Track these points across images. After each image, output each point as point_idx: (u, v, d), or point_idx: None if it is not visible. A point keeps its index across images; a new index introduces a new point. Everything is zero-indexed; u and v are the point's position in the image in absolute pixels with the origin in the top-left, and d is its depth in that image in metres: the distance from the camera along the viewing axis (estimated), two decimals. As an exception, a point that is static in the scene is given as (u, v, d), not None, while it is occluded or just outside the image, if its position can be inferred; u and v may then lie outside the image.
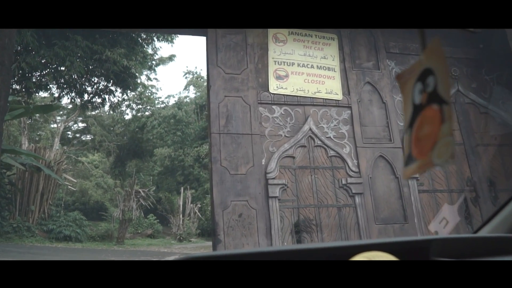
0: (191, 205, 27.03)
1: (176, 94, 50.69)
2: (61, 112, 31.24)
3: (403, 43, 6.45)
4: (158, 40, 16.13)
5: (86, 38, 13.00)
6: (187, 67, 63.11)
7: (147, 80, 24.54)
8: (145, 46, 16.16)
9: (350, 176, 5.45)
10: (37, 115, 29.93)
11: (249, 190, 5.09)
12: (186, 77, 36.00)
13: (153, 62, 18.02)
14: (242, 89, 5.52)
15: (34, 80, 13.91)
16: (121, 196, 25.56)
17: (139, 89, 28.65)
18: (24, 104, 10.57)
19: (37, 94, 18.64)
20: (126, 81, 15.25)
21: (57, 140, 26.32)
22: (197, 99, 35.76)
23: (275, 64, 5.78)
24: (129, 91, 18.44)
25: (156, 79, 31.69)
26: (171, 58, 30.80)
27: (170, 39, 16.41)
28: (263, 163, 5.27)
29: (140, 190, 26.42)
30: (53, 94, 18.45)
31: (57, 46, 12.23)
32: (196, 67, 55.77)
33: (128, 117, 32.34)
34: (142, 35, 15.43)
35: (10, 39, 4.27)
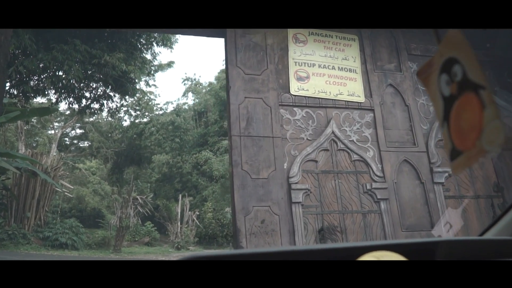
0: (189, 212, 26.69)
1: (175, 101, 50.53)
2: (58, 118, 30.92)
3: (424, 45, 6.31)
4: (157, 45, 15.97)
5: (85, 42, 12.82)
6: (185, 73, 63.06)
7: (146, 86, 24.36)
8: (144, 52, 16.01)
9: (375, 181, 5.25)
10: (35, 121, 29.60)
11: (271, 195, 4.87)
12: (184, 84, 35.88)
13: (152, 67, 17.84)
14: (262, 90, 5.33)
15: (31, 84, 13.67)
16: (119, 203, 25.23)
17: (137, 95, 28.47)
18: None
19: (35, 99, 18.39)
20: (124, 86, 15.07)
21: (54, 146, 25.96)
22: (195, 106, 35.62)
23: (295, 65, 5.60)
24: (127, 97, 18.25)
25: (154, 85, 31.42)
26: (169, 64, 30.61)
27: (169, 44, 16.27)
28: (285, 167, 5.06)
29: (138, 197, 26.11)
30: (50, 99, 18.22)
31: (56, 50, 12.03)
32: (194, 74, 55.76)
33: (126, 123, 32.09)
34: (142, 40, 15.30)
35: (5, 38, 4.07)
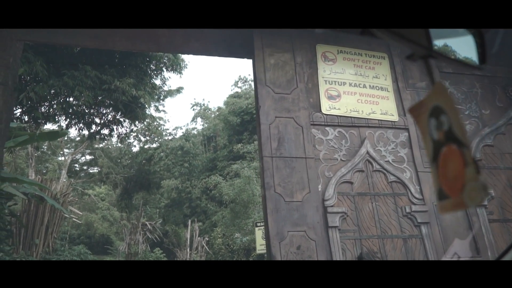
0: (199, 238, 26.19)
1: (184, 126, 50.72)
2: (68, 145, 31.01)
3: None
4: (167, 70, 16.09)
5: (96, 68, 12.91)
6: (194, 99, 63.74)
7: (155, 111, 24.46)
8: (154, 77, 16.13)
9: (414, 204, 4.95)
10: (45, 147, 29.67)
11: (306, 219, 4.59)
12: (193, 109, 36.05)
13: (162, 93, 17.90)
14: (293, 110, 5.15)
15: (42, 110, 13.70)
16: (127, 229, 24.87)
17: (147, 121, 28.55)
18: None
19: (45, 126, 18.46)
20: (134, 111, 15.07)
21: (64, 172, 25.85)
22: (204, 131, 35.65)
23: (325, 83, 5.44)
24: (137, 122, 18.24)
25: (164, 111, 31.72)
26: (178, 90, 30.85)
27: (178, 69, 16.37)
28: (319, 189, 4.80)
29: (147, 222, 25.77)
30: (61, 125, 18.24)
31: (66, 76, 12.08)
32: (203, 99, 56.21)
33: (135, 149, 32.08)
34: (152, 66, 15.41)
35: (14, 59, 3.95)
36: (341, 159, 5.07)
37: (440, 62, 5.39)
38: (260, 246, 15.22)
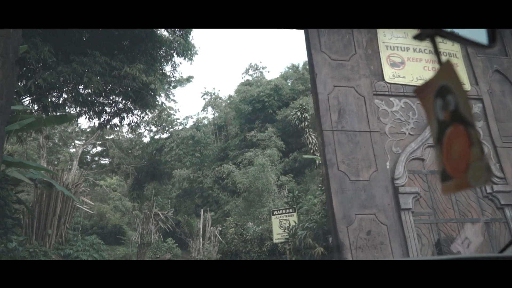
0: (211, 228, 25.81)
1: (194, 115, 50.22)
2: (79, 137, 30.68)
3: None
4: (177, 56, 15.49)
5: (105, 54, 12.39)
6: (205, 88, 63.29)
7: (166, 99, 23.93)
8: (164, 63, 15.56)
9: (495, 183, 4.36)
10: (56, 138, 29.34)
11: (375, 200, 4.03)
12: (204, 98, 35.48)
13: (172, 79, 17.26)
14: (353, 78, 4.56)
15: (51, 99, 13.22)
16: (140, 219, 24.58)
17: (157, 110, 28.08)
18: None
19: (54, 114, 18.03)
20: (145, 99, 14.58)
21: (75, 163, 25.53)
22: (215, 120, 35.13)
23: (387, 49, 4.83)
24: (148, 110, 17.72)
25: (174, 100, 31.24)
26: (189, 79, 30.31)
27: (189, 55, 15.77)
28: (387, 166, 4.24)
29: (159, 212, 25.48)
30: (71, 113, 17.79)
31: (75, 62, 11.62)
32: (214, 88, 55.58)
33: (146, 139, 31.69)
34: (161, 52, 14.83)
35: (15, 30, 3.42)
36: (409, 133, 4.51)
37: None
38: (277, 235, 14.74)
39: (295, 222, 13.06)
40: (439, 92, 0.85)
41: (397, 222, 4.02)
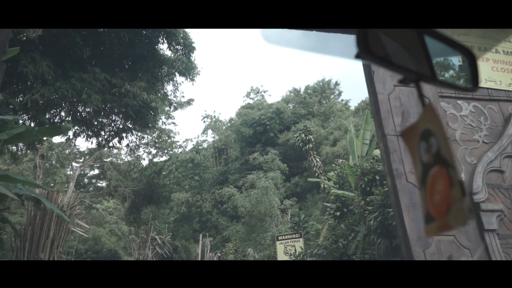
0: (210, 253, 24.93)
1: (194, 138, 49.99)
2: (77, 158, 30.39)
3: None
4: (179, 75, 15.33)
5: (105, 72, 12.17)
6: (205, 111, 63.50)
7: (166, 118, 23.68)
8: (166, 83, 15.36)
9: None
10: (54, 160, 29.03)
11: (455, 219, 3.50)
12: (204, 121, 35.35)
13: (174, 98, 16.99)
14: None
15: (48, 116, 12.95)
16: (136, 244, 23.79)
17: (157, 133, 27.87)
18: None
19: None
20: (145, 118, 14.25)
21: (72, 184, 25.09)
22: (215, 143, 34.84)
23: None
24: (148, 131, 17.39)
25: (174, 123, 30.97)
26: (189, 102, 30.23)
27: (191, 76, 15.61)
28: (462, 178, 3.76)
29: (156, 237, 24.70)
30: (68, 136, 17.55)
31: (74, 78, 11.36)
32: (214, 111, 55.66)
33: (144, 162, 31.35)
34: (163, 71, 14.71)
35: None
36: (483, 141, 4.10)
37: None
38: None
39: (301, 248, 12.36)
40: (423, 134, 0.88)
41: (481, 245, 3.50)
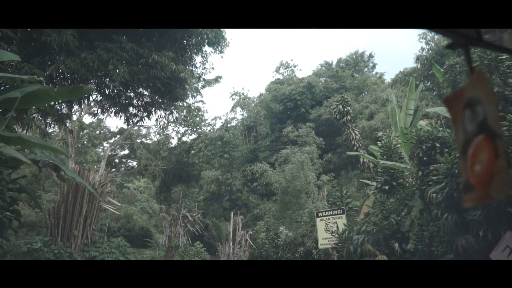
0: (242, 232, 24.51)
1: (223, 116, 49.41)
2: (107, 140, 30.53)
3: None
4: (208, 46, 14.37)
5: (132, 41, 11.42)
6: (233, 88, 62.77)
7: (196, 93, 22.98)
8: (194, 53, 14.46)
9: None
10: (85, 140, 29.22)
11: None
12: (232, 99, 34.56)
13: (203, 70, 16.06)
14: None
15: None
16: (167, 222, 23.66)
17: (185, 112, 27.31)
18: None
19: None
20: (173, 91, 13.49)
21: (103, 163, 25.14)
22: (244, 120, 34.10)
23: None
24: (177, 106, 16.72)
25: (202, 101, 30.29)
26: (217, 79, 29.44)
27: (221, 46, 14.64)
28: None
29: (188, 214, 24.49)
30: (96, 112, 17.17)
31: (100, 48, 10.71)
32: (243, 88, 54.78)
33: (174, 141, 31.11)
34: (192, 40, 13.79)
35: None
36: None
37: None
38: (323, 240, 13.06)
39: (344, 225, 11.37)
40: (469, 103, 0.84)
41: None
